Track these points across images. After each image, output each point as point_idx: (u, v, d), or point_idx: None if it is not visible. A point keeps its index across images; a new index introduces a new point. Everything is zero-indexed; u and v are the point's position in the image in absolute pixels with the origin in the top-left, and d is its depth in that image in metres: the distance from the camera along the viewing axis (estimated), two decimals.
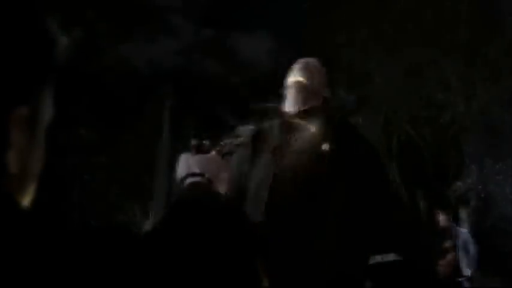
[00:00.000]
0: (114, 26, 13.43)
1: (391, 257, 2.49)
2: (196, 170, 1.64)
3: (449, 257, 5.73)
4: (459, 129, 12.87)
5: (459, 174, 12.83)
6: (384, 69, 12.66)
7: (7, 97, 0.64)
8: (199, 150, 1.70)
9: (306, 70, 2.55)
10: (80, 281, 0.61)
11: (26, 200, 0.68)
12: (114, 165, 13.46)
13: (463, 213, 12.23)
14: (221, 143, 1.91)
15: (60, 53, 0.70)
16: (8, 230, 0.60)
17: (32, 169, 0.69)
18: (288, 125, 2.48)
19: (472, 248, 5.90)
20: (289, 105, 2.51)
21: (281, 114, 2.53)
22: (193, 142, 1.71)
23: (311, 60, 2.63)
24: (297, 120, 2.46)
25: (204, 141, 1.73)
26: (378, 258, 2.42)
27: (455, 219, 6.41)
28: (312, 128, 2.42)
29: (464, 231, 6.42)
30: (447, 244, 5.79)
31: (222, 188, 1.66)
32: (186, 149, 1.72)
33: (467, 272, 5.83)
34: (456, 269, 5.75)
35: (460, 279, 5.78)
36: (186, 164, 1.67)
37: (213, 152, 1.72)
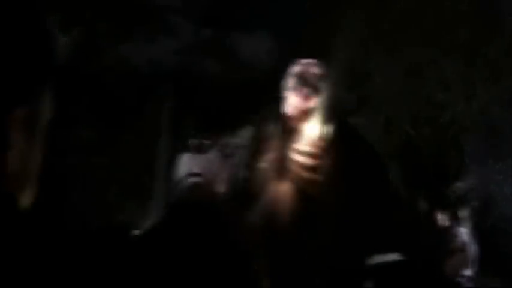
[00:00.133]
0: (114, 26, 13.43)
1: (391, 257, 2.49)
2: (197, 170, 1.64)
3: (461, 256, 5.71)
4: (459, 129, 12.86)
5: (459, 174, 12.82)
6: (384, 69, 12.65)
7: (7, 97, 0.64)
8: (199, 150, 1.70)
9: (306, 71, 2.56)
10: (80, 281, 0.61)
11: (26, 200, 0.68)
12: (114, 165, 13.44)
13: (463, 213, 12.20)
14: (221, 143, 1.91)
15: (60, 53, 0.70)
16: (8, 230, 0.60)
17: (32, 169, 0.68)
18: (288, 127, 2.49)
19: (472, 248, 5.89)
20: (289, 106, 2.51)
21: (281, 116, 2.53)
22: (193, 142, 1.70)
23: (311, 61, 2.63)
24: (297, 122, 2.46)
25: (204, 141, 1.73)
26: (378, 259, 2.42)
27: (455, 219, 6.41)
28: (312, 129, 2.42)
29: (464, 231, 6.41)
30: (455, 244, 5.77)
31: (221, 189, 1.66)
32: (186, 149, 1.72)
33: (467, 272, 5.82)
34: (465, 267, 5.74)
35: (460, 279, 5.78)
36: (186, 164, 1.67)
37: (213, 152, 1.72)
